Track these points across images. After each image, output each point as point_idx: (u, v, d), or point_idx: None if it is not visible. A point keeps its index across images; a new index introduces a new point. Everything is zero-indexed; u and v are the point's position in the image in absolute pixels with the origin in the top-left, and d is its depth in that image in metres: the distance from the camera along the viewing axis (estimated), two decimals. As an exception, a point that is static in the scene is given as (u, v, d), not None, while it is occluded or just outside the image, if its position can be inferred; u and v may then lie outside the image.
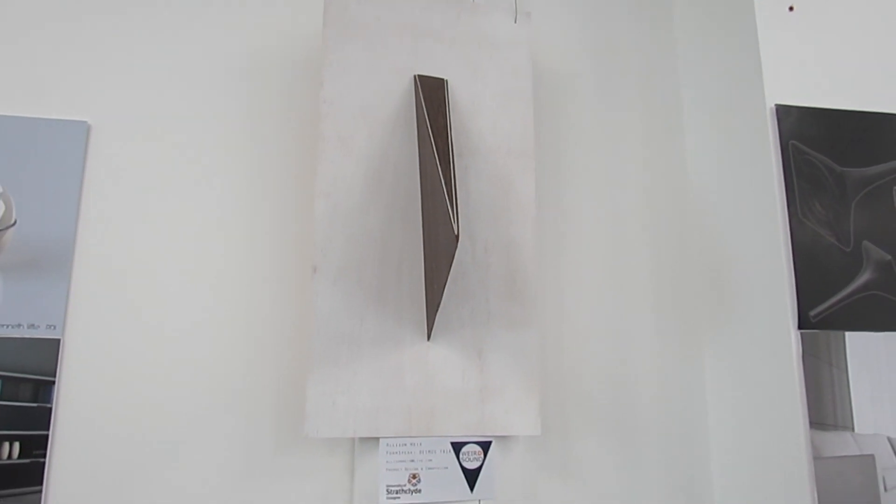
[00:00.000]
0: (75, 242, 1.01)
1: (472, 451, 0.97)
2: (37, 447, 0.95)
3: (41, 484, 0.94)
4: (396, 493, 0.94)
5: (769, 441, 1.00)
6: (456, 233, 0.80)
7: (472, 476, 0.96)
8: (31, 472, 0.94)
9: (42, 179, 1.01)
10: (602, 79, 1.25)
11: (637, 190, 1.21)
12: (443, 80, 1.04)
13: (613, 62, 1.26)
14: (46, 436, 0.95)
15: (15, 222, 0.99)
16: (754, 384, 1.04)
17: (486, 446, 0.98)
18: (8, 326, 0.96)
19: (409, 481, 0.95)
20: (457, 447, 0.97)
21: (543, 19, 1.23)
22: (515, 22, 1.11)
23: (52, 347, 0.97)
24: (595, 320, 1.14)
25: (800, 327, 0.96)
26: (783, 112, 1.02)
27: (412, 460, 0.95)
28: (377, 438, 0.95)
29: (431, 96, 1.00)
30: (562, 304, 1.13)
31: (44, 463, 0.94)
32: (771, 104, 1.02)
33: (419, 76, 1.03)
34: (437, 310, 0.92)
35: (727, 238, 1.11)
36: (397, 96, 1.03)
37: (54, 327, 0.98)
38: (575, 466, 1.08)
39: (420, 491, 0.95)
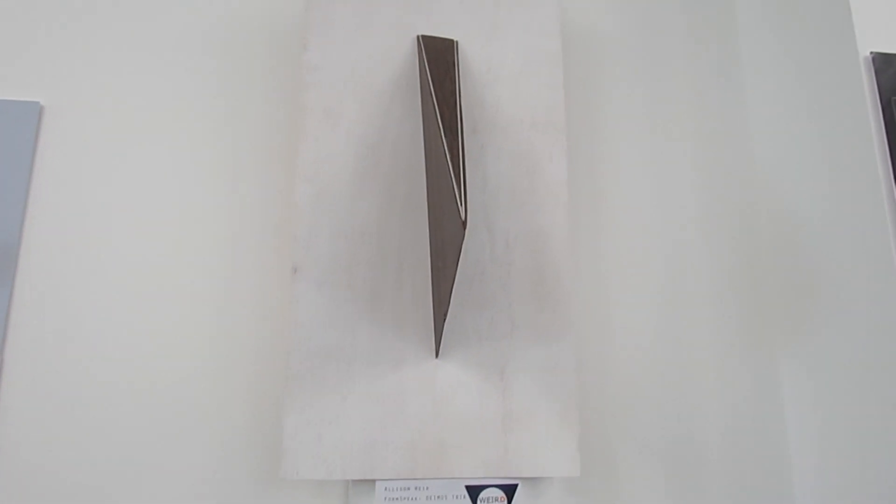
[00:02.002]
0: (20, 243, 0.85)
1: (492, 496, 0.77)
2: (-33, 488, 0.78)
3: (-30, 534, 0.77)
4: (398, 550, 0.75)
5: (869, 477, 0.77)
6: (463, 218, 0.61)
7: (493, 529, 0.76)
8: (-41, 518, 0.77)
9: (-17, 170, 0.86)
10: (647, 38, 1.04)
11: (693, 170, 1.00)
12: (452, 40, 0.86)
13: (661, 17, 1.05)
14: (-21, 474, 0.79)
15: (-50, 220, 0.84)
16: (848, 405, 0.82)
17: (510, 490, 0.77)
18: (-63, 344, 0.81)
19: (414, 535, 0.75)
20: (474, 492, 0.77)
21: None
22: (540, -27, 0.92)
23: (-12, 368, 0.81)
24: (645, 331, 0.93)
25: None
26: (881, 61, 0.80)
27: (417, 509, 0.75)
28: (373, 481, 0.76)
29: (438, 59, 0.82)
30: (604, 311, 0.92)
31: (-26, 507, 0.78)
32: (865, 52, 0.80)
33: (423, 36, 0.85)
34: (444, 319, 0.73)
35: (809, 226, 0.89)
36: (396, 61, 0.85)
37: (-9, 344, 0.82)
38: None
39: (428, 547, 0.75)
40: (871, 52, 0.80)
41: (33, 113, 0.88)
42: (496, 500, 0.77)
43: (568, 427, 0.79)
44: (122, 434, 0.81)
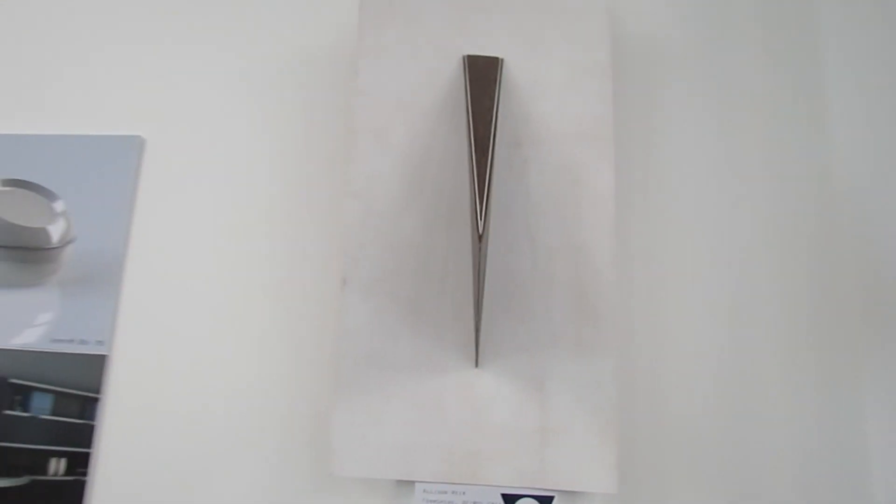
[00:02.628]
0: (125, 258, 0.98)
1: (528, 506, 0.78)
2: (80, 465, 0.92)
3: (82, 503, 0.91)
4: (436, 550, 0.78)
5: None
6: (480, 232, 0.64)
7: (528, 538, 0.77)
8: (73, 490, 0.91)
9: (98, 196, 1.00)
10: (715, 42, 1.00)
11: (762, 179, 0.94)
12: (497, 58, 0.89)
13: (731, 20, 1.01)
14: (89, 453, 0.92)
15: (74, 239, 0.99)
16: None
17: (546, 502, 0.78)
18: (62, 342, 0.96)
19: (450, 538, 0.78)
20: (509, 500, 0.78)
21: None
22: (591, -16, 0.92)
23: (99, 363, 0.95)
24: (705, 348, 0.89)
25: None
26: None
27: (454, 512, 0.78)
28: (414, 482, 0.80)
29: (480, 77, 0.85)
30: (658, 326, 0.90)
31: (85, 482, 0.91)
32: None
33: (468, 56, 0.88)
34: (478, 329, 0.75)
35: (881, 224, 0.81)
36: (443, 82, 0.89)
37: (102, 343, 0.96)
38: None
39: (464, 551, 0.78)
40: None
41: (136, 146, 1.02)
42: (531, 510, 0.78)
43: (607, 443, 0.78)
44: (209, 430, 0.91)
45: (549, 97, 0.88)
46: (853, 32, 0.94)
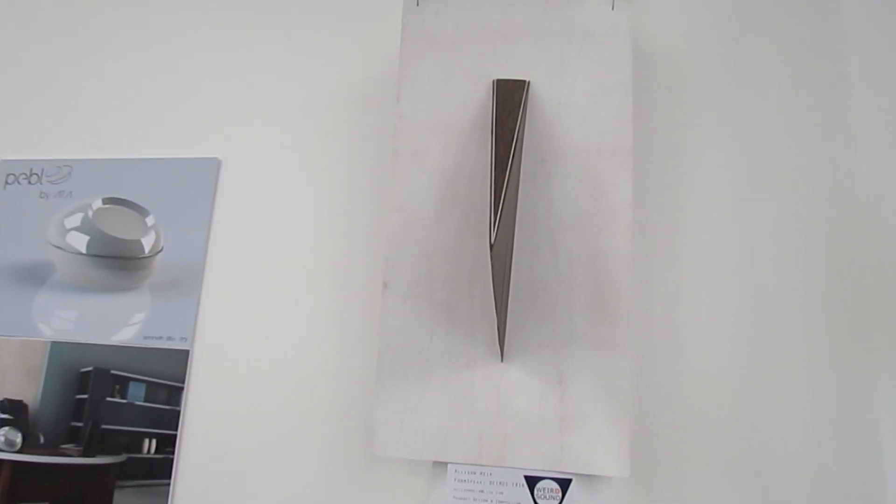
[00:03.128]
0: (205, 266, 1.14)
1: (548, 487, 0.86)
2: (168, 445, 1.07)
3: (170, 477, 1.06)
4: (466, 525, 0.88)
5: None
6: (491, 241, 0.73)
7: (548, 517, 0.86)
8: (163, 467, 1.07)
9: (182, 211, 1.16)
10: (732, 58, 1.05)
11: (780, 190, 0.99)
12: (523, 81, 0.97)
13: (749, 36, 1.05)
14: (175, 435, 1.07)
15: (162, 248, 1.15)
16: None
17: (564, 484, 0.86)
18: (153, 338, 1.12)
19: (478, 514, 0.87)
20: (531, 482, 0.87)
21: None
22: (613, 8, 1.00)
23: (183, 357, 1.10)
24: (720, 343, 0.94)
25: None
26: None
27: (481, 491, 0.88)
28: (446, 464, 0.90)
29: (506, 100, 0.94)
30: (677, 325, 0.96)
31: (172, 459, 1.06)
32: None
33: (498, 80, 0.98)
34: (502, 328, 0.85)
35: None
36: (474, 105, 0.99)
37: (185, 340, 1.11)
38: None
39: (491, 526, 0.87)
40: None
41: (213, 167, 1.17)
42: (551, 491, 0.86)
43: (620, 432, 0.85)
44: (276, 414, 1.05)
45: (573, 115, 0.96)
46: (877, 43, 0.97)
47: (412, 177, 0.98)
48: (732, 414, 0.92)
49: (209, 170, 1.17)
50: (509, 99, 0.94)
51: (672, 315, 0.97)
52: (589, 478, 0.87)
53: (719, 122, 1.03)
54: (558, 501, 0.85)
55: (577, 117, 0.96)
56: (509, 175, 0.82)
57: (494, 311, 0.91)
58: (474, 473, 0.88)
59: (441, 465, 0.91)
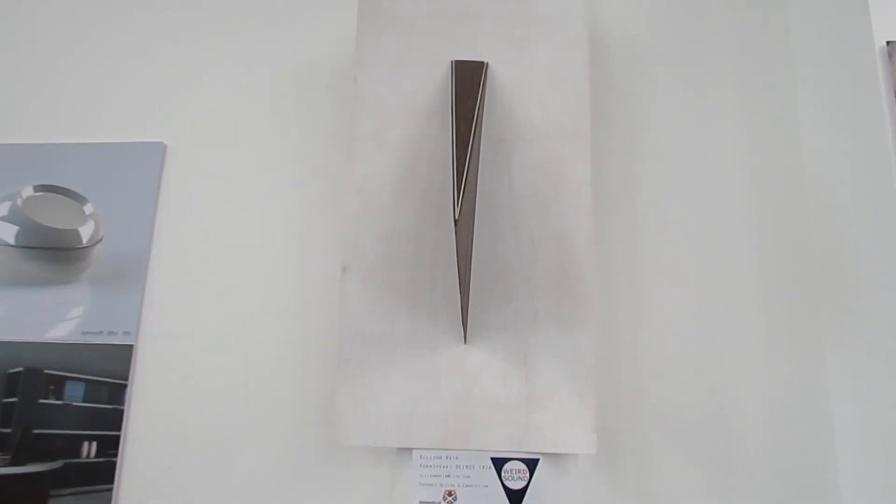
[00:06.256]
0: (149, 256, 1.08)
1: (515, 468, 0.85)
2: (110, 447, 1.01)
3: (112, 482, 0.99)
4: (433, 510, 0.86)
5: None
6: (455, 217, 0.72)
7: (515, 497, 0.85)
8: (104, 471, 1.00)
9: (124, 198, 1.10)
10: (688, 41, 1.08)
11: (734, 163, 1.02)
12: (482, 63, 0.97)
13: (700, 24, 1.08)
14: (118, 436, 1.01)
15: (102, 238, 1.09)
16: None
17: (531, 464, 0.85)
18: (92, 333, 1.05)
19: (445, 498, 0.85)
20: (498, 463, 0.86)
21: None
22: (569, -6, 1.01)
23: (126, 353, 1.04)
24: (679, 319, 0.96)
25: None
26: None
27: (448, 475, 0.86)
28: (411, 449, 0.88)
29: (465, 80, 0.93)
30: (637, 302, 0.97)
31: (115, 462, 1.00)
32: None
33: (456, 62, 0.97)
34: (465, 309, 0.83)
35: (856, 217, 0.88)
36: (433, 86, 0.98)
37: (129, 334, 1.05)
38: (652, 493, 0.90)
39: (459, 511, 0.85)
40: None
41: (158, 151, 1.12)
42: (519, 472, 0.85)
43: (586, 408, 0.85)
44: (227, 410, 1.00)
45: (532, 98, 0.96)
46: (820, 30, 1.01)
47: (371, 159, 0.95)
48: (691, 387, 0.94)
49: (154, 155, 1.11)
50: (468, 80, 0.94)
51: (630, 293, 0.98)
52: (555, 456, 0.87)
53: (671, 108, 1.06)
54: (526, 482, 0.84)
55: (537, 100, 0.96)
56: (471, 151, 0.81)
57: (458, 292, 0.90)
58: (440, 458, 0.87)
59: (405, 452, 0.89)
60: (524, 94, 0.97)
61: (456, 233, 0.72)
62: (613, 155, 1.04)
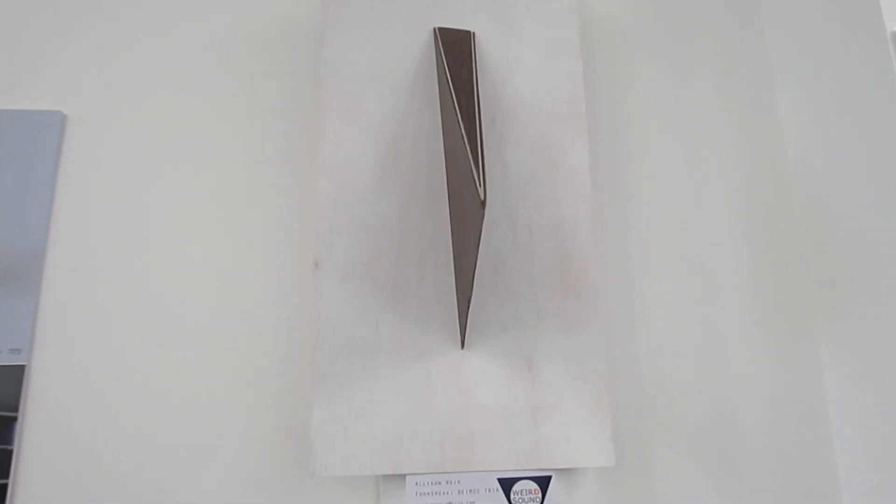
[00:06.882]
0: (46, 251, 0.86)
1: (526, 489, 0.75)
2: (-7, 498, 0.78)
3: (-1, 544, 0.76)
4: (431, 546, 0.73)
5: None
6: (482, 198, 0.60)
7: (528, 523, 0.74)
8: (-15, 531, 0.77)
9: (11, 182, 0.87)
10: (672, 25, 1.03)
11: (724, 154, 0.98)
12: (468, 31, 0.87)
13: (684, 3, 1.04)
14: (5, 486, 0.78)
15: (-21, 230, 0.85)
16: (894, 392, 0.79)
17: (543, 482, 0.75)
18: (-35, 352, 0.81)
19: (447, 531, 0.73)
20: (506, 485, 0.75)
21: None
22: (555, -33, 0.93)
23: (16, 376, 0.81)
24: (677, 318, 0.90)
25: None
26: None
27: (450, 502, 0.74)
28: (403, 476, 0.74)
29: (454, 50, 0.82)
30: (633, 299, 0.90)
31: (2, 518, 0.77)
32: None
33: (439, 28, 0.86)
34: (468, 307, 0.72)
35: (851, 209, 0.87)
36: (413, 55, 0.86)
37: (19, 352, 0.82)
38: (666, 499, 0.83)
39: (462, 544, 0.73)
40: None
41: (57, 122, 0.90)
42: (530, 492, 0.75)
43: (600, 416, 0.77)
44: (160, 440, 0.80)
45: (522, 75, 0.87)
46: (797, 12, 1.00)
47: (344, 135, 0.81)
48: (691, 388, 0.88)
49: (50, 126, 0.89)
50: (456, 49, 0.83)
51: (626, 289, 0.91)
52: (568, 472, 0.77)
53: (660, 88, 1.00)
54: (539, 502, 0.74)
55: (528, 78, 0.87)
56: (480, 124, 0.70)
57: (454, 288, 0.78)
58: (439, 483, 0.74)
59: (395, 479, 0.75)
60: (513, 71, 0.88)
61: (482, 217, 0.60)
62: (602, 138, 0.96)
